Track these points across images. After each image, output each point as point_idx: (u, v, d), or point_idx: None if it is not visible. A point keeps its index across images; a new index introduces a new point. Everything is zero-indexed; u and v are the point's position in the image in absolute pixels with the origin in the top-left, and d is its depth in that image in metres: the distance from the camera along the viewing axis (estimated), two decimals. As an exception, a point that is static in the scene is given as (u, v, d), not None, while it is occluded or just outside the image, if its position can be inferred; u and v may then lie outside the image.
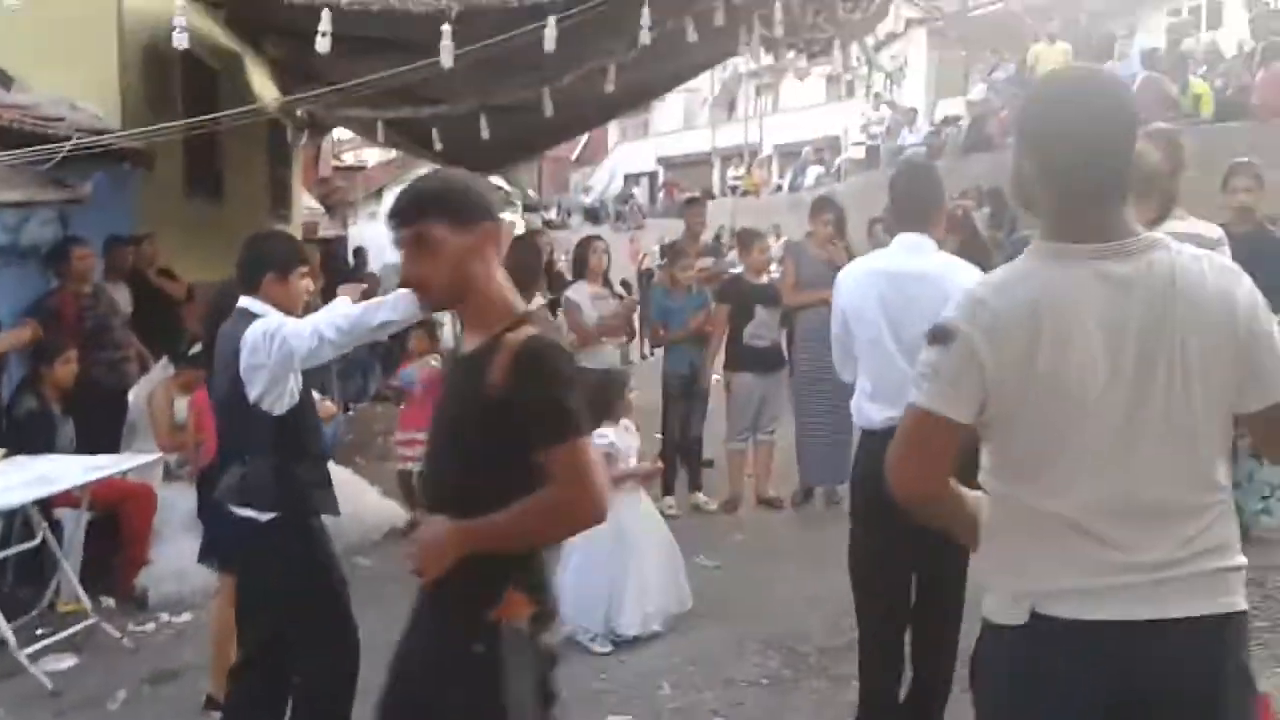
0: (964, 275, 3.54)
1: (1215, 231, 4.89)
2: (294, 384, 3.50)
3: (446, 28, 5.69)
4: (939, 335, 1.99)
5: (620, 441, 5.22)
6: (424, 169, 22.34)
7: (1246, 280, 2.00)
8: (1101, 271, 1.92)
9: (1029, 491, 1.98)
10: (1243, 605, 1.96)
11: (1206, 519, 1.97)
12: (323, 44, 6.01)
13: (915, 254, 3.76)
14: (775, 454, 7.40)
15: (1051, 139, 1.98)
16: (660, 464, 5.76)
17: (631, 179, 38.60)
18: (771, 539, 6.71)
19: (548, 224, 31.19)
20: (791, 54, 7.36)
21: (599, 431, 5.18)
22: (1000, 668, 2.04)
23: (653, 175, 38.57)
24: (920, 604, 3.73)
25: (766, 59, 7.47)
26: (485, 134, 8.79)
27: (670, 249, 8.73)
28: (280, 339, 3.35)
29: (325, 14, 5.95)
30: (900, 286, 3.69)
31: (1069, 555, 1.95)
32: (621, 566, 5.07)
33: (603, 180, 38.35)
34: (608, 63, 7.55)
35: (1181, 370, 1.92)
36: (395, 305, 3.30)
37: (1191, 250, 1.99)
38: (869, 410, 3.72)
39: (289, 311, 3.56)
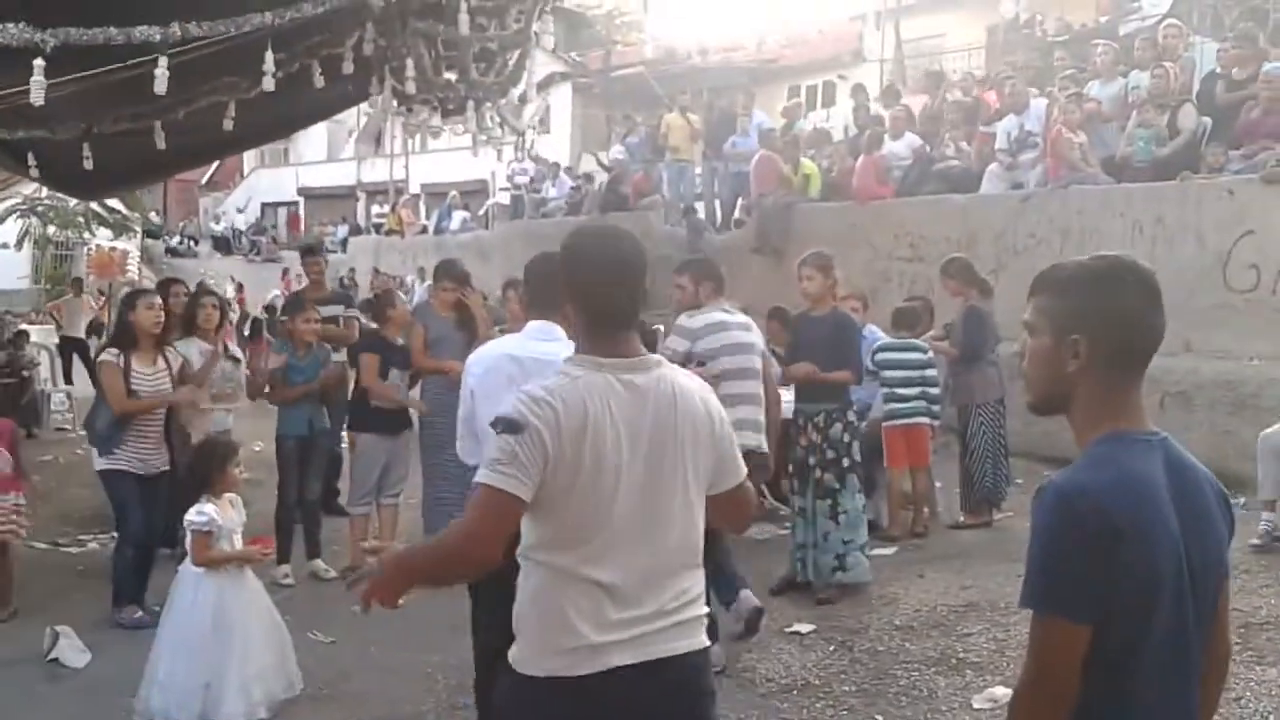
0: None
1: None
2: None
3: (39, 63, 5.11)
4: (511, 426, 2.36)
5: (222, 518, 4.82)
6: (29, 187, 20.20)
7: (710, 393, 2.63)
8: (626, 381, 2.45)
9: (571, 560, 2.40)
10: (708, 643, 2.59)
11: (693, 577, 2.54)
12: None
13: (545, 340, 3.81)
14: (401, 517, 7.20)
15: (590, 283, 2.52)
16: (268, 549, 5.39)
17: (270, 208, 36.88)
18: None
19: (171, 251, 29.21)
20: (425, 111, 7.26)
21: (196, 507, 4.78)
22: (531, 713, 2.44)
23: (292, 205, 37.05)
24: None
25: (399, 113, 7.31)
26: (89, 164, 8.06)
27: (292, 300, 8.37)
28: None
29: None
30: (529, 372, 3.72)
31: (602, 615, 2.39)
32: (221, 652, 4.67)
33: (236, 207, 36.34)
34: (227, 98, 7.13)
35: (684, 461, 2.49)
36: None
37: (678, 370, 2.62)
38: None
39: None
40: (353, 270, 23.52)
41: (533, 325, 3.88)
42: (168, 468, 6.15)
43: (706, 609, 2.58)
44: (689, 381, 2.59)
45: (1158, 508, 1.90)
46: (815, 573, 6.18)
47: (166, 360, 6.28)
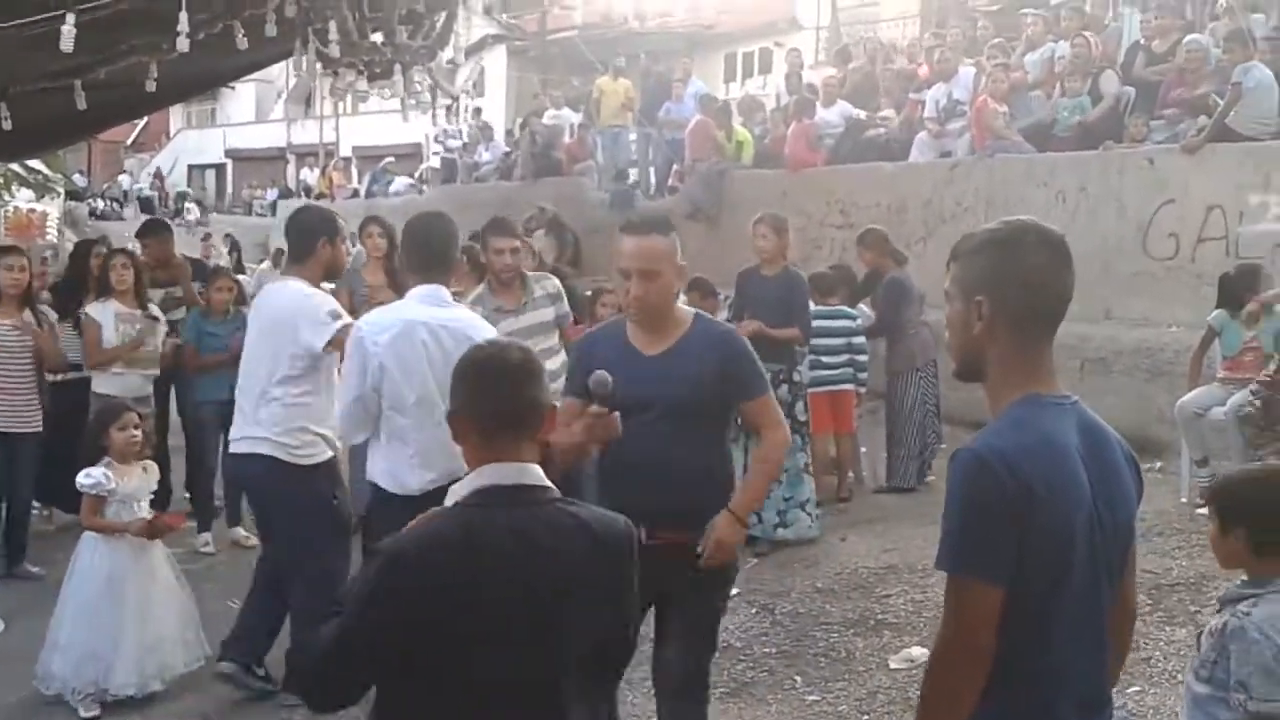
0: (482, 325, 3.75)
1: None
2: None
3: (-67, 6, 4.91)
4: None
5: (119, 483, 4.68)
6: (-61, 145, 19.40)
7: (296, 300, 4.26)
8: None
9: None
10: (271, 454, 4.22)
11: (268, 416, 4.23)
12: None
13: (440, 305, 3.76)
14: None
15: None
16: (179, 519, 5.28)
17: (197, 170, 36.07)
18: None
19: (94, 214, 28.44)
20: (351, 75, 7.10)
21: (85, 471, 4.64)
22: None
23: (220, 168, 36.28)
24: None
25: (325, 74, 7.14)
26: (7, 125, 7.79)
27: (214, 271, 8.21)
28: None
29: None
30: (440, 340, 3.64)
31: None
32: (114, 620, 4.56)
33: (163, 169, 35.45)
34: (148, 58, 6.91)
35: (279, 344, 4.25)
36: None
37: (282, 285, 4.43)
38: (410, 475, 3.63)
39: None
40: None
41: (424, 290, 3.76)
42: (39, 429, 6.08)
43: (275, 436, 4.19)
44: (284, 290, 4.22)
45: (1072, 470, 1.93)
46: (760, 529, 6.27)
47: (36, 317, 6.22)
